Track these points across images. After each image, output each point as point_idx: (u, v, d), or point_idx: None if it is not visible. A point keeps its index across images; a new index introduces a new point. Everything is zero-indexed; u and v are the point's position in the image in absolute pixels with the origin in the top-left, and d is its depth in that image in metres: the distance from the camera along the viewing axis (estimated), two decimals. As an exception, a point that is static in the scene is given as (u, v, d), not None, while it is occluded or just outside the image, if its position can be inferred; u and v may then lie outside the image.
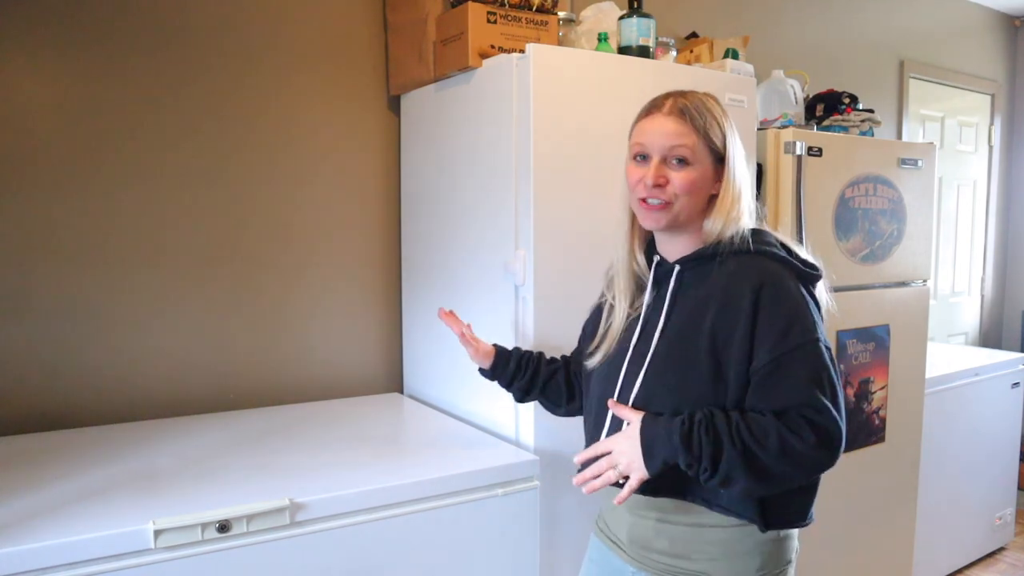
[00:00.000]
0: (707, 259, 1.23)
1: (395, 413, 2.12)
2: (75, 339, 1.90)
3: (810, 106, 2.66)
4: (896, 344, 2.53)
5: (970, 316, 4.39)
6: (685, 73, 2.01)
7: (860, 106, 2.63)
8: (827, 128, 2.55)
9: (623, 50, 1.99)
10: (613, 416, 1.26)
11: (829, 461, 1.14)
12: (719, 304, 1.18)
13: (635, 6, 2.03)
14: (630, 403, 1.24)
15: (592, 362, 1.35)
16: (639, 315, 1.29)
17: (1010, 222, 4.55)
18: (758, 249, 1.21)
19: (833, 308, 1.29)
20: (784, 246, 1.24)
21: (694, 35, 2.83)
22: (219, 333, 2.09)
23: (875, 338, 2.46)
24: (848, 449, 2.40)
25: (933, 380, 2.78)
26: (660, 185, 1.20)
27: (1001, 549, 3.34)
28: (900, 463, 2.62)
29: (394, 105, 2.33)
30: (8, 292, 1.83)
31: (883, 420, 2.52)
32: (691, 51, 2.51)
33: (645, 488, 1.20)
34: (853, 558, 2.53)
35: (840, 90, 2.68)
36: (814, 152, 2.25)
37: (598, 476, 1.21)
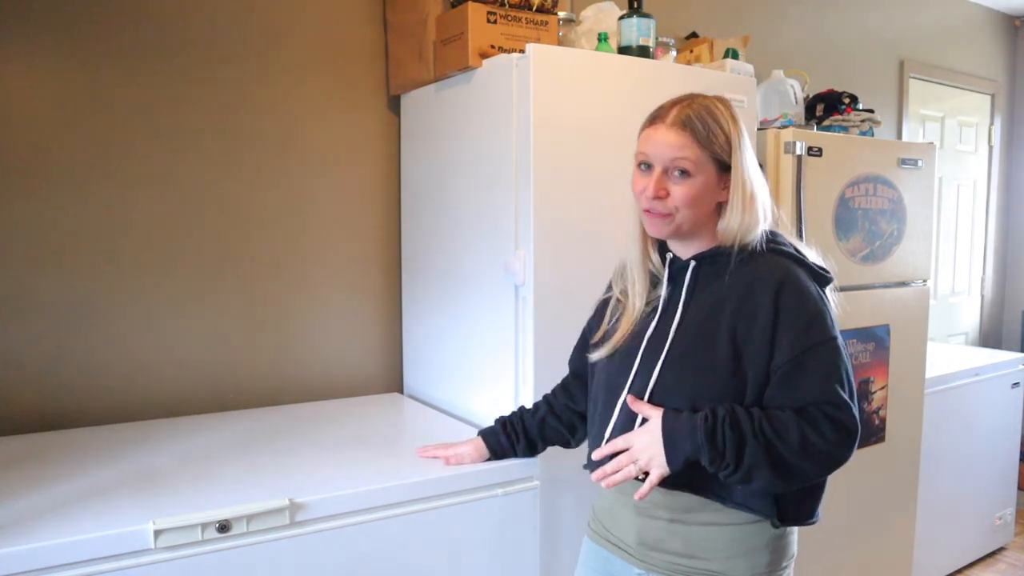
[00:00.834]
0: (723, 256, 1.24)
1: (395, 413, 2.12)
2: (75, 339, 1.90)
3: (810, 106, 2.66)
4: (896, 344, 2.53)
5: (970, 316, 4.39)
6: (685, 73, 2.01)
7: (860, 106, 2.63)
8: (827, 128, 2.55)
9: (623, 50, 1.99)
10: (624, 406, 1.26)
11: (847, 456, 1.16)
12: (738, 300, 1.20)
13: (635, 6, 2.02)
14: (646, 395, 1.24)
15: (597, 354, 1.35)
16: (653, 308, 1.30)
17: (1010, 222, 4.55)
18: (775, 249, 1.23)
19: (840, 312, 1.30)
20: (797, 250, 1.26)
21: (694, 35, 2.83)
22: (219, 333, 2.09)
23: (875, 338, 2.46)
24: (848, 449, 2.42)
25: (933, 380, 2.78)
26: (660, 197, 1.22)
27: (1001, 549, 3.34)
28: (900, 463, 2.62)
29: (394, 105, 2.33)
30: (12, 293, 1.83)
31: (883, 420, 2.52)
32: (691, 51, 2.51)
33: (663, 483, 1.20)
34: (853, 558, 2.53)
35: (840, 90, 2.68)
36: (814, 152, 2.25)
37: (618, 471, 1.21)
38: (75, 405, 1.91)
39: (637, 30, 1.98)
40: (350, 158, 2.27)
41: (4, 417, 1.82)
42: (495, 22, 1.85)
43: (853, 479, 2.44)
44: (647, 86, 1.85)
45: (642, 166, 1.26)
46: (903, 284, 2.58)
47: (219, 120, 2.06)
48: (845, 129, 2.54)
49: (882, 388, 2.50)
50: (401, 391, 2.38)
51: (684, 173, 1.21)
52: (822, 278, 1.25)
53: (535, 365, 1.75)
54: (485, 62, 1.86)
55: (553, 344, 1.68)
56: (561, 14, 2.02)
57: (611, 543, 1.36)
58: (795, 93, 2.57)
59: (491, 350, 1.89)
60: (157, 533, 1.24)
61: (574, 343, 1.52)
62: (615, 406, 1.28)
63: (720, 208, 1.25)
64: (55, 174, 1.86)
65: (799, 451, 1.12)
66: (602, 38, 1.97)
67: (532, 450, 1.56)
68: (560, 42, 2.00)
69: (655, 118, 1.25)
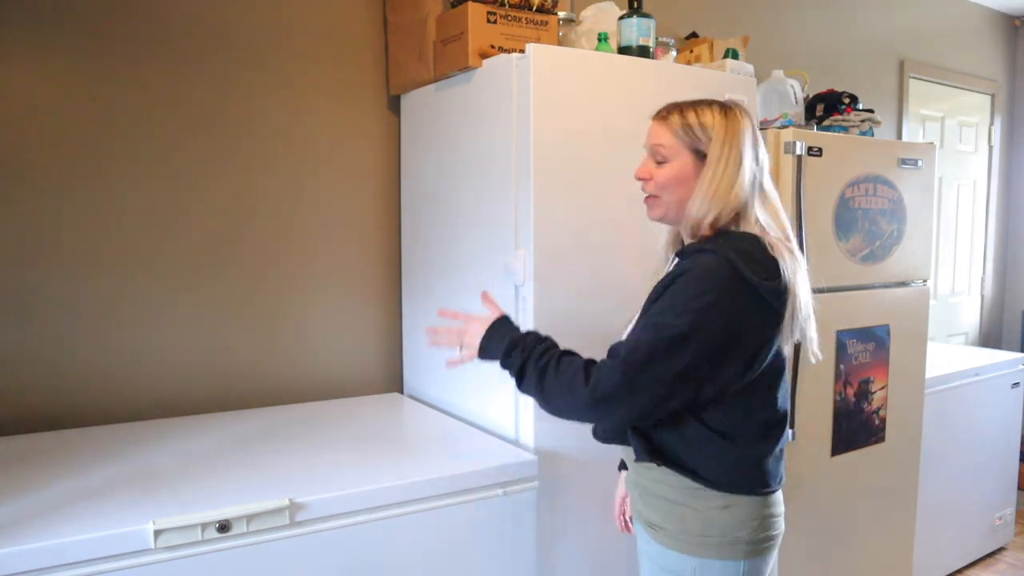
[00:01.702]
0: (691, 251, 1.31)
1: (395, 413, 2.12)
2: (75, 339, 1.90)
3: (810, 106, 2.66)
4: (896, 344, 2.53)
5: (970, 316, 4.39)
6: (685, 73, 2.01)
7: (860, 106, 2.63)
8: (827, 128, 2.55)
9: (623, 50, 1.99)
10: None
11: (583, 407, 1.24)
12: (661, 290, 1.29)
13: (635, 6, 2.02)
14: None
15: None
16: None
17: (1010, 222, 4.55)
18: (704, 248, 1.27)
19: (816, 309, 1.32)
20: (746, 252, 1.24)
21: (694, 35, 2.83)
22: (219, 333, 2.09)
23: (875, 338, 2.46)
24: (848, 449, 2.42)
25: (933, 380, 2.78)
26: (643, 179, 1.36)
27: (1001, 549, 3.34)
28: (900, 463, 2.62)
29: (394, 105, 2.33)
30: (9, 292, 1.83)
31: (883, 420, 2.52)
32: (691, 51, 2.51)
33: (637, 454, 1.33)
34: (853, 558, 2.53)
35: (840, 90, 2.68)
36: (814, 152, 2.25)
37: (445, 336, 1.43)
38: (75, 405, 1.91)
39: (637, 30, 1.98)
40: (350, 158, 2.27)
41: (4, 417, 1.82)
42: (495, 22, 1.85)
43: (853, 479, 2.44)
44: (647, 86, 1.85)
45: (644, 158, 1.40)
46: (903, 284, 2.57)
47: (220, 120, 2.06)
48: (845, 129, 2.54)
49: (882, 388, 2.50)
50: (401, 391, 2.38)
51: (662, 159, 1.33)
52: (753, 281, 1.21)
53: (535, 365, 1.75)
54: (485, 62, 1.86)
55: (553, 344, 1.68)
56: (561, 14, 2.02)
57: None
58: (795, 93, 2.57)
59: (491, 350, 1.89)
60: (157, 533, 1.25)
61: (573, 343, 1.51)
62: None
63: None
64: (51, 173, 1.86)
65: (559, 380, 1.25)
66: (602, 38, 1.97)
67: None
68: (560, 42, 2.00)
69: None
